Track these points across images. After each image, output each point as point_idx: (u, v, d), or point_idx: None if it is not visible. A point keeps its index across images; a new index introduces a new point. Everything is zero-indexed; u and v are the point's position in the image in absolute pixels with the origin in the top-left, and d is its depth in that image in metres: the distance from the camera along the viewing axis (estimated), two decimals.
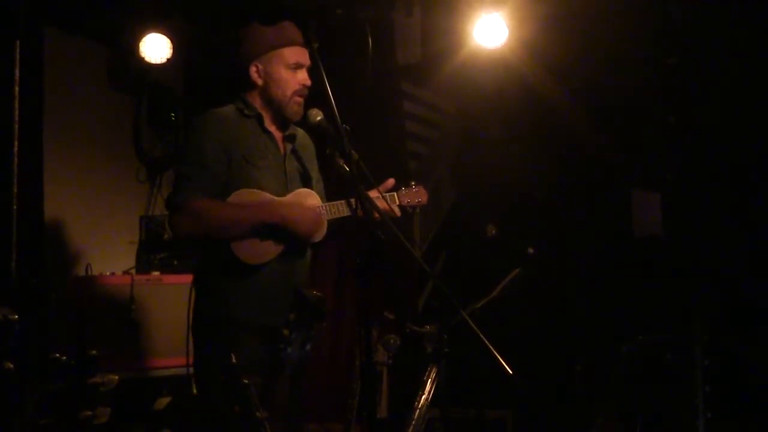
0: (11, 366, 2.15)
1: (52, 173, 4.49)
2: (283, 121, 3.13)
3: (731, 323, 4.18)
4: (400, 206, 3.20)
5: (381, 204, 3.07)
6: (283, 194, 3.03)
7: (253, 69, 3.06)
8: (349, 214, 3.01)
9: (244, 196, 2.95)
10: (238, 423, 2.36)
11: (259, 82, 3.06)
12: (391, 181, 3.21)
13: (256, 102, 3.09)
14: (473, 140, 5.47)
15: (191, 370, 3.01)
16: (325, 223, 3.04)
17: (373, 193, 3.01)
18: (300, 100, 3.07)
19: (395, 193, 3.21)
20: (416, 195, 3.27)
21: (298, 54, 3.06)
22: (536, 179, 5.00)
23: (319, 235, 3.02)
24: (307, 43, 3.05)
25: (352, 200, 2.91)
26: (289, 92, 3.04)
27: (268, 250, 2.94)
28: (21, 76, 2.26)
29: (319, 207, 3.05)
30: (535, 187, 5.01)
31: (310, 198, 3.08)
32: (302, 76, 3.06)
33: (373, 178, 3.02)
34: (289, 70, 3.05)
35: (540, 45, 4.57)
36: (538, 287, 4.43)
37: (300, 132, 3.21)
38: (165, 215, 4.84)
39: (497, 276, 3.90)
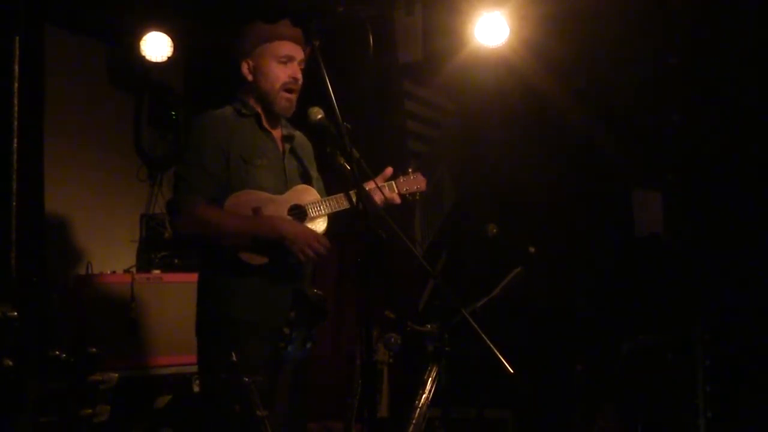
0: (11, 363, 2.14)
1: (53, 171, 4.50)
2: (277, 119, 3.13)
3: (732, 323, 4.17)
4: (400, 195, 3.19)
5: (380, 197, 3.08)
6: (283, 192, 3.03)
7: (244, 65, 3.07)
8: (348, 206, 3.00)
9: (242, 197, 2.94)
10: (238, 421, 2.36)
11: (249, 77, 3.07)
12: (389, 170, 3.21)
13: (251, 100, 3.09)
14: (474, 139, 5.46)
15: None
16: (326, 243, 3.01)
17: (371, 185, 3.01)
18: (289, 96, 3.05)
19: (393, 182, 3.21)
20: (414, 182, 3.26)
21: (288, 48, 3.06)
22: (537, 178, 4.99)
23: (315, 256, 2.99)
24: (308, 41, 3.05)
25: (351, 192, 2.91)
26: (277, 85, 3.03)
27: (270, 251, 2.93)
28: (21, 73, 2.25)
29: (318, 202, 3.05)
30: (536, 186, 5.00)
31: (307, 194, 3.08)
32: (292, 70, 3.05)
33: (374, 176, 3.01)
34: (279, 63, 3.04)
35: (541, 44, 4.56)
36: (539, 286, 4.42)
37: (297, 132, 3.22)
38: (165, 214, 4.85)
39: (498, 275, 3.89)
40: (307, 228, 2.99)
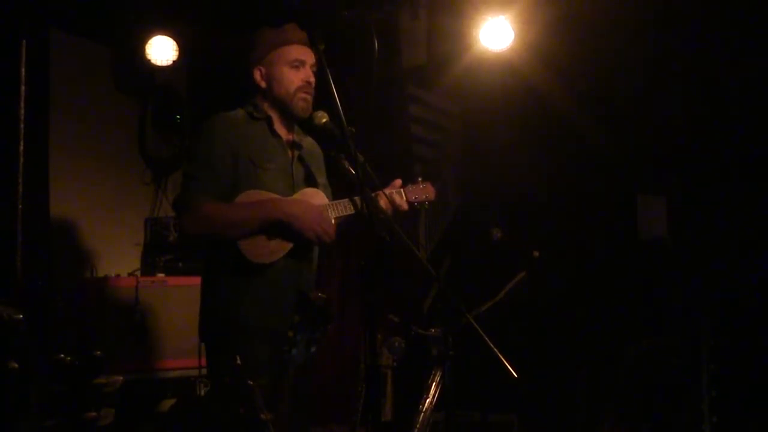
0: (16, 366, 2.15)
1: (58, 174, 4.51)
2: (291, 124, 3.14)
3: (737, 327, 4.17)
4: (408, 203, 3.20)
5: (386, 203, 3.08)
6: (290, 196, 3.03)
7: (256, 73, 3.08)
8: (353, 212, 3.01)
9: (250, 196, 2.95)
10: (242, 425, 2.36)
11: (263, 84, 3.08)
12: (398, 182, 3.22)
13: (265, 105, 3.10)
14: (478, 143, 5.46)
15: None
16: (331, 221, 3.03)
17: (379, 193, 3.01)
18: (306, 96, 3.06)
19: (402, 190, 3.21)
20: (423, 191, 3.27)
21: (298, 51, 3.06)
22: (542, 182, 4.99)
23: (324, 234, 3.00)
24: (313, 45, 3.06)
25: (357, 198, 2.91)
26: (292, 89, 3.05)
27: (276, 248, 2.94)
28: (27, 77, 2.26)
29: (325, 205, 3.05)
30: (541, 191, 5.00)
31: (316, 197, 3.08)
32: (305, 73, 3.06)
33: (379, 180, 3.01)
34: (291, 68, 3.05)
35: (546, 48, 4.57)
36: (543, 290, 4.42)
37: (308, 140, 3.23)
38: (170, 217, 4.85)
39: (502, 279, 3.89)
40: (315, 207, 2.99)
